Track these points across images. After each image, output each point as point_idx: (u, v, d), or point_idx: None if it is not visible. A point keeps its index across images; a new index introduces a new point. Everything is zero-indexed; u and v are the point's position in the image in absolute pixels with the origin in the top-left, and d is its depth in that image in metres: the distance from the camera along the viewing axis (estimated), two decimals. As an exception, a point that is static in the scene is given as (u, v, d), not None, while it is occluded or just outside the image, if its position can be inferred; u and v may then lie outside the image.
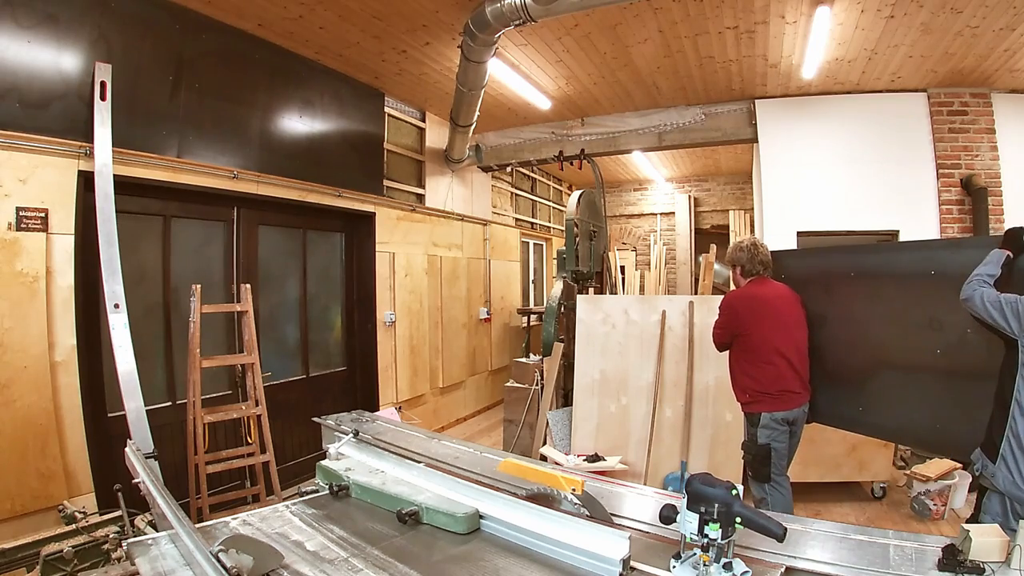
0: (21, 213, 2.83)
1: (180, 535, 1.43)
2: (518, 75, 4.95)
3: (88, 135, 3.09)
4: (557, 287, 5.27)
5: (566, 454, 4.28)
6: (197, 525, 1.55)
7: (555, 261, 6.06)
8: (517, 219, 8.41)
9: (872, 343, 3.11)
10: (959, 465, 3.93)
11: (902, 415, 3.01)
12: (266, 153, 4.24)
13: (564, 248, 5.36)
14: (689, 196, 9.78)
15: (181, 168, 3.61)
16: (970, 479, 3.99)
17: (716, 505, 1.25)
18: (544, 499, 1.69)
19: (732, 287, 3.46)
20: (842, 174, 5.31)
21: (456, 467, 2.12)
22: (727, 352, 3.28)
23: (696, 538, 1.27)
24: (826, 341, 3.25)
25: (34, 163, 2.89)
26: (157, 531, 1.70)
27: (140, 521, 2.54)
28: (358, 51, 4.45)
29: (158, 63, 3.53)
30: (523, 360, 5.62)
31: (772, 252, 3.37)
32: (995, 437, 1.97)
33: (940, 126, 5.08)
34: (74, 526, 2.58)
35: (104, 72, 3.16)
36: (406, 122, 5.84)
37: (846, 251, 3.41)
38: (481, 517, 1.62)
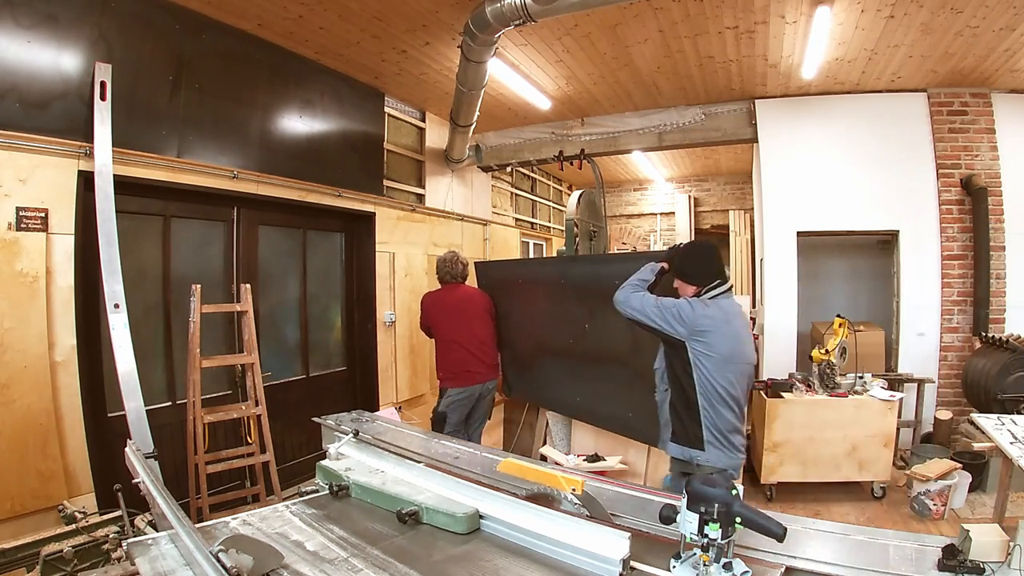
0: (21, 213, 2.82)
1: (180, 535, 1.43)
2: (518, 75, 4.94)
3: (88, 135, 3.09)
4: (557, 287, 5.28)
5: (566, 454, 4.28)
6: (197, 525, 1.55)
7: (555, 261, 6.06)
8: (517, 219, 8.41)
9: (535, 334, 4.08)
10: (959, 465, 3.94)
11: (556, 391, 3.99)
12: (266, 153, 4.24)
13: (564, 248, 5.35)
14: (689, 196, 9.77)
15: (181, 168, 3.61)
16: (970, 479, 4.00)
17: (716, 505, 1.25)
18: (544, 499, 1.69)
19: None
20: (842, 174, 5.30)
21: (456, 467, 2.12)
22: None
23: (696, 538, 1.27)
24: (511, 333, 4.26)
25: (34, 163, 2.89)
26: (157, 531, 1.70)
27: (140, 521, 2.54)
28: (358, 51, 4.45)
29: (158, 63, 3.53)
30: (523, 360, 5.61)
31: (476, 263, 4.53)
32: (697, 431, 2.38)
33: (940, 126, 5.08)
34: (74, 526, 2.58)
35: (104, 72, 3.16)
36: (406, 122, 5.84)
37: (515, 264, 4.71)
38: (481, 517, 1.62)
